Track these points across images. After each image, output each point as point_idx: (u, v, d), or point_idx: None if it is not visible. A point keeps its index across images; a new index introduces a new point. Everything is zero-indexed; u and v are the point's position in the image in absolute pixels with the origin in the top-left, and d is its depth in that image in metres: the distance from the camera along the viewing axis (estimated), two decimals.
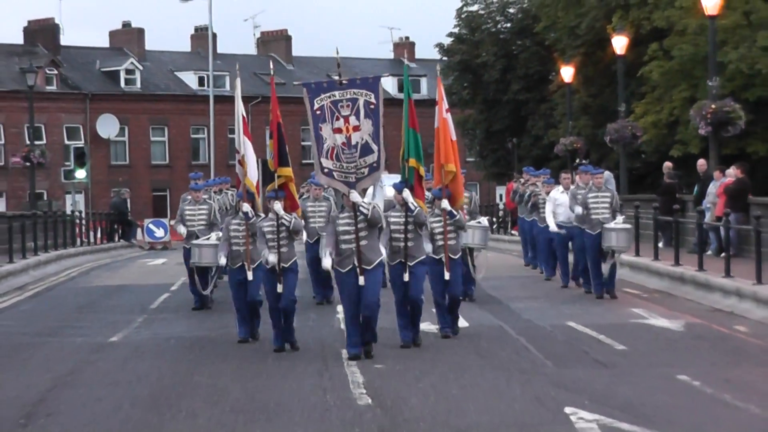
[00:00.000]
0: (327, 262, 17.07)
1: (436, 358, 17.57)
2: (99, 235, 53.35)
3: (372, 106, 17.27)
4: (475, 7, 63.35)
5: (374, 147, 17.31)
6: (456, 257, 19.02)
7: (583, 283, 26.01)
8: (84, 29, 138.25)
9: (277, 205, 17.77)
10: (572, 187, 26.19)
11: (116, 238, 53.75)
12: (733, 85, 40.24)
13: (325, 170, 17.45)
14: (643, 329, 20.97)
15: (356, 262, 16.96)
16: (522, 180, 32.39)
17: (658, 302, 24.25)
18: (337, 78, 17.77)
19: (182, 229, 24.38)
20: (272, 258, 17.80)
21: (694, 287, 24.96)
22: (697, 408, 14.12)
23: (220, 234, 21.41)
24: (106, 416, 14.21)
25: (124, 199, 56.76)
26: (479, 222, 22.95)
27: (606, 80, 48.06)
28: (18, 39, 79.34)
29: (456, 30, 63.53)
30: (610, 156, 45.19)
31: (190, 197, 24.76)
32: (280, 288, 17.94)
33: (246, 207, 19.07)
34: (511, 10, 63.13)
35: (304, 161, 70.19)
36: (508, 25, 63.36)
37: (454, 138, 19.60)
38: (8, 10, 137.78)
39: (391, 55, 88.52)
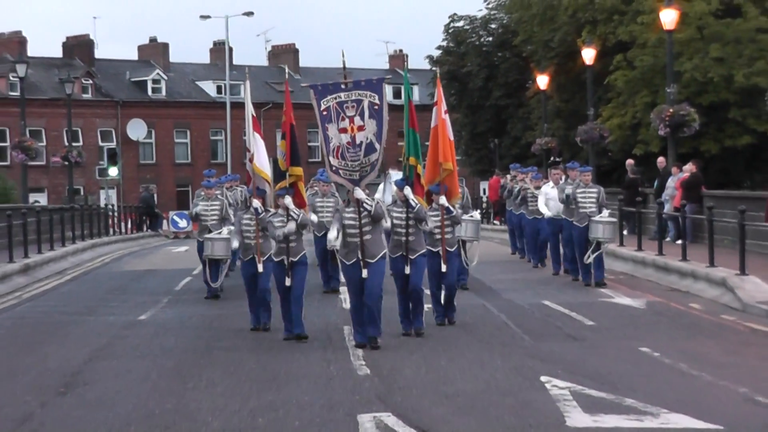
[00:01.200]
0: (332, 234, 16.26)
1: (427, 334, 17.54)
2: (129, 225, 53.42)
3: (376, 107, 16.35)
4: (461, 23, 63.35)
5: (377, 146, 16.40)
6: (452, 250, 18.22)
7: (570, 271, 25.08)
8: (115, 44, 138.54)
9: (288, 199, 16.98)
10: (561, 182, 25.37)
11: (144, 229, 53.73)
12: (689, 92, 40.27)
13: (333, 168, 16.60)
14: (610, 307, 21.00)
15: (360, 255, 16.12)
16: (510, 176, 31.89)
17: (623, 283, 24.25)
18: (342, 80, 16.74)
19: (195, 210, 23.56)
20: (291, 225, 16.84)
21: (654, 270, 25.01)
22: (657, 376, 14.15)
23: (232, 228, 20.64)
24: (136, 385, 14.26)
25: (151, 194, 56.78)
26: (471, 216, 21.94)
27: (576, 87, 48.00)
28: (57, 53, 79.30)
29: (444, 43, 63.50)
30: (581, 154, 45.15)
31: (203, 193, 23.81)
32: (288, 281, 17.06)
33: (256, 203, 18.13)
34: (493, 26, 63.02)
35: (310, 160, 70.16)
36: (490, 39, 63.27)
37: (452, 138, 18.71)
38: (48, 27, 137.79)
39: (387, 66, 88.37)
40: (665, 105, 34.29)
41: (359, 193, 16.15)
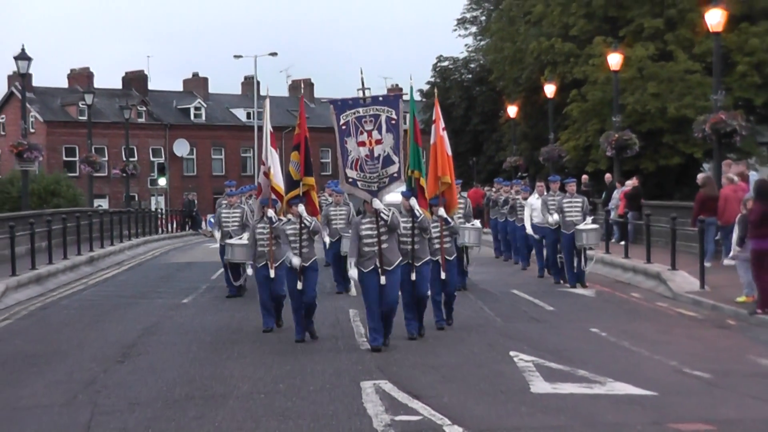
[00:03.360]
0: (353, 273, 14.33)
1: None
2: (174, 226, 53.50)
3: (393, 122, 14.62)
4: (446, 63, 63.52)
5: (395, 158, 14.61)
6: (451, 258, 16.01)
7: (552, 274, 23.20)
8: (165, 78, 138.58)
9: (301, 207, 15.07)
10: (545, 194, 23.32)
11: (186, 228, 53.73)
12: (630, 120, 40.32)
13: (350, 180, 14.71)
14: (566, 295, 20.98)
15: (378, 264, 14.13)
16: (494, 189, 30.96)
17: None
18: (361, 96, 14.87)
19: (217, 234, 21.95)
20: (296, 261, 15.00)
21: (602, 265, 24.95)
22: (604, 351, 14.18)
23: None
24: (180, 355, 14.26)
25: (192, 200, 56.72)
26: (473, 224, 20.07)
27: (540, 116, 48.05)
28: (118, 85, 79.38)
29: (432, 79, 63.52)
30: (543, 170, 45.17)
31: (225, 202, 21.95)
32: (300, 285, 15.01)
33: (270, 212, 15.99)
34: (472, 65, 63.14)
35: (322, 173, 70.36)
36: (470, 76, 63.39)
37: (450, 153, 16.71)
38: (111, 64, 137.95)
39: (385, 92, 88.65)
40: (612, 131, 34.43)
41: (377, 204, 14.28)
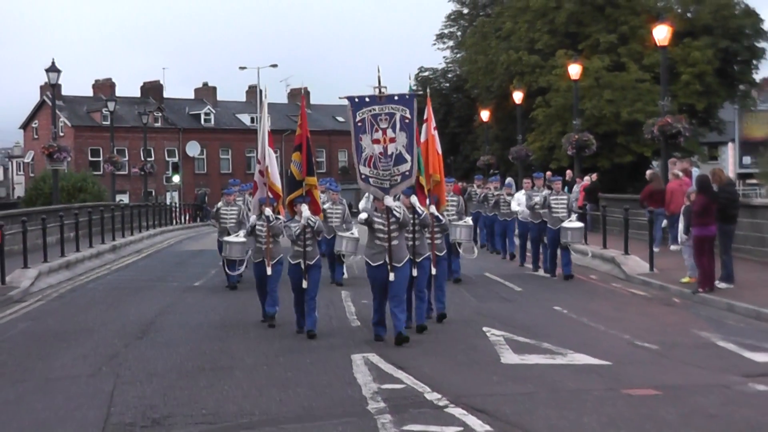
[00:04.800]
0: (363, 216, 13.03)
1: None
2: (187, 218, 53.41)
3: (407, 121, 13.25)
4: (427, 73, 63.39)
5: (407, 157, 13.22)
6: (441, 254, 14.57)
7: (533, 264, 21.86)
8: (178, 87, 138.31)
9: (305, 207, 13.68)
10: (529, 190, 22.11)
11: (198, 220, 53.65)
12: (589, 124, 40.30)
13: (363, 176, 13.29)
14: (533, 277, 21.00)
15: (387, 260, 12.76)
16: (476, 185, 30.19)
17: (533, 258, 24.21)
18: (377, 94, 13.48)
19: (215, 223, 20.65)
20: (305, 213, 13.59)
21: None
22: (566, 327, 14.19)
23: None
24: (192, 332, 14.24)
25: (203, 195, 56.65)
26: (465, 221, 18.80)
27: (509, 120, 47.99)
28: (136, 93, 78.98)
29: (414, 87, 63.39)
30: (513, 168, 45.17)
31: (224, 199, 20.65)
32: (305, 284, 13.58)
33: (268, 210, 14.45)
34: (450, 75, 63.07)
35: (318, 171, 70.23)
36: (448, 84, 63.24)
37: (440, 151, 15.47)
38: (131, 75, 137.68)
39: None
40: (572, 133, 34.39)
41: (389, 201, 12.90)
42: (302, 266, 13.62)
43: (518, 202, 23.51)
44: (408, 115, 13.30)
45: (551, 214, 20.39)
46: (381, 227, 12.84)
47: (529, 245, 22.64)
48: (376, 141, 13.26)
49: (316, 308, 13.69)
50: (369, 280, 13.15)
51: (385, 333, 13.05)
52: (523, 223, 22.83)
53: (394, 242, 12.80)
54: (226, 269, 18.67)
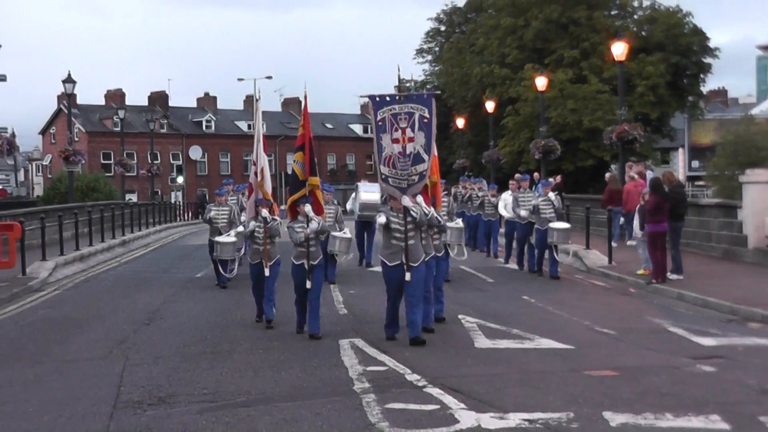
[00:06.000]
0: (382, 219, 11.70)
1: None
2: (189, 215, 53.14)
3: (425, 120, 12.06)
4: (408, 84, 63.22)
5: (425, 157, 12.05)
6: (440, 255, 13.54)
7: (517, 263, 20.96)
8: (182, 96, 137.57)
9: (308, 207, 12.46)
10: (516, 191, 21.07)
11: (199, 218, 53.39)
12: (554, 131, 40.43)
13: (383, 176, 12.09)
14: (503, 270, 20.99)
15: (404, 259, 11.63)
16: (461, 186, 29.36)
17: (512, 255, 24.15)
18: (397, 93, 12.42)
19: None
20: (314, 225, 12.35)
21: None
22: (534, 314, 14.18)
23: (239, 230, 17.26)
24: (194, 319, 14.17)
25: (204, 195, 56.47)
26: (456, 223, 17.35)
27: (482, 127, 48.05)
28: (144, 102, 78.73)
29: (414, 89, 63.20)
30: (485, 170, 45.25)
31: (215, 200, 19.22)
32: (309, 284, 12.41)
33: (265, 212, 13.38)
34: (428, 86, 62.94)
35: None
36: None
37: (436, 153, 13.11)
38: (139, 85, 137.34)
39: (359, 112, 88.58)
40: (539, 139, 34.44)
41: (406, 201, 11.76)
42: (306, 266, 12.45)
43: (505, 203, 22.59)
44: (426, 115, 12.18)
45: (539, 215, 19.34)
46: (398, 227, 11.74)
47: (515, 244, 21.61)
48: (396, 140, 12.13)
49: (319, 309, 12.52)
50: (384, 280, 11.97)
51: (398, 332, 11.90)
52: (510, 223, 21.64)
53: (411, 242, 11.70)
54: (219, 269, 17.75)
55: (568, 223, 19.58)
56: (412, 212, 11.68)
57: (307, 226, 12.38)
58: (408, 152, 11.99)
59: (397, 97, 12.21)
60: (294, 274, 12.61)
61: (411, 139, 12.03)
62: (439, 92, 16.72)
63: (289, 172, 14.52)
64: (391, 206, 11.96)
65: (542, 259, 19.48)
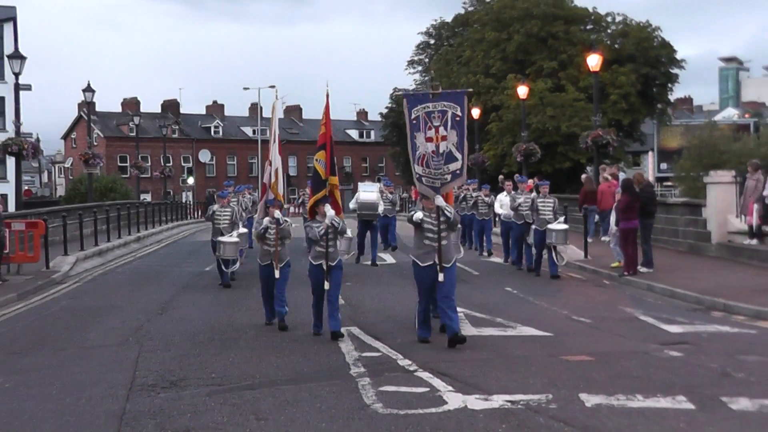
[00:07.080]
0: (419, 215, 10.81)
1: (379, 280, 17.54)
2: (199, 213, 52.97)
3: (458, 119, 10.97)
4: (400, 93, 63.13)
5: (458, 155, 10.97)
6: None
7: (513, 261, 20.09)
8: (192, 104, 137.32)
9: (328, 207, 11.51)
10: (512, 192, 20.12)
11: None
12: (534, 135, 40.48)
13: (417, 176, 11.10)
14: (488, 263, 20.98)
15: (437, 260, 10.64)
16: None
17: (496, 250, 24.10)
18: (431, 91, 11.26)
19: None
20: (329, 213, 11.46)
21: None
22: (516, 304, 14.19)
23: (241, 230, 17.17)
24: (205, 308, 14.15)
25: (212, 194, 56.34)
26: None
27: (469, 132, 48.00)
28: (157, 109, 78.70)
29: (390, 105, 63.19)
30: (471, 172, 45.23)
31: (218, 202, 17.87)
32: (327, 285, 11.38)
33: (277, 213, 12.23)
34: None
35: (308, 176, 70.13)
36: None
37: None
38: (153, 94, 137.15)
39: (355, 117, 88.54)
40: (521, 143, 34.48)
41: (440, 201, 10.80)
42: (324, 267, 11.42)
43: (501, 204, 21.53)
44: (459, 113, 11.05)
45: (538, 216, 18.37)
46: (431, 227, 10.77)
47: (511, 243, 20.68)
48: (429, 139, 11.03)
49: (339, 309, 11.49)
50: (416, 280, 11.01)
51: (430, 334, 11.00)
52: (506, 223, 20.68)
53: (444, 242, 10.72)
54: (222, 268, 16.93)
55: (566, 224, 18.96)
56: (446, 212, 10.75)
57: (327, 226, 11.42)
58: (441, 151, 10.99)
59: (430, 95, 11.18)
60: (311, 275, 11.60)
61: (444, 138, 11.00)
62: (471, 90, 15.74)
63: (304, 172, 13.73)
64: (423, 206, 11.01)
65: (540, 260, 18.57)
